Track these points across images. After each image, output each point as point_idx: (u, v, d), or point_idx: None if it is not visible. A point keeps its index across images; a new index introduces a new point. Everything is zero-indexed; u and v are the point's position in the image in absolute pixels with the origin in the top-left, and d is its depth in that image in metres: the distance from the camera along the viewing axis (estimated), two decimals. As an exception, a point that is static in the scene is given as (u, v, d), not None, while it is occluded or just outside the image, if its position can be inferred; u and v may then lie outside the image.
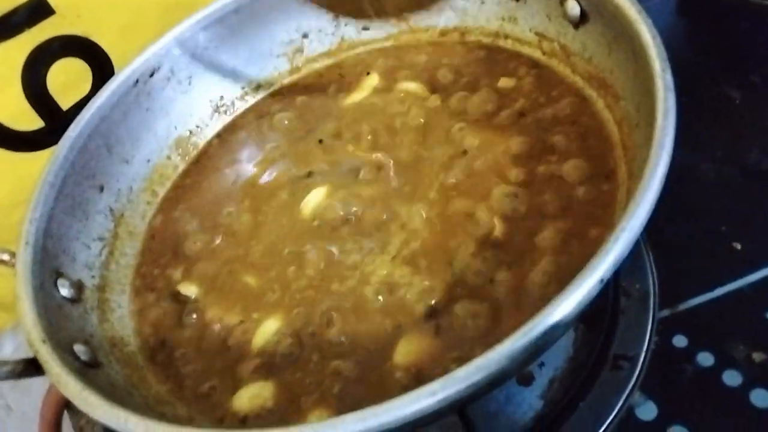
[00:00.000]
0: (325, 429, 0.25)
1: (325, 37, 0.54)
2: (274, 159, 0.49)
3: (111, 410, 0.29)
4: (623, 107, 0.38)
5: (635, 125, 0.36)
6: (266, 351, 0.37)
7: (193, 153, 0.52)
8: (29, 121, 0.58)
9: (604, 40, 0.40)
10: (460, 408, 0.32)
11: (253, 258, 0.42)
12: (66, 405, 0.59)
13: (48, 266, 0.39)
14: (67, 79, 0.58)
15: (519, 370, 0.30)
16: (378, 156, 0.45)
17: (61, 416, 0.58)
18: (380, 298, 0.37)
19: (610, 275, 0.26)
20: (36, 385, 0.65)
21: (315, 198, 0.44)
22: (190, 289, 0.42)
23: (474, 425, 0.40)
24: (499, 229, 0.37)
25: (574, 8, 0.41)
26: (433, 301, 0.35)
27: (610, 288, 0.43)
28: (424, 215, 0.39)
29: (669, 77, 0.31)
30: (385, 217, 0.40)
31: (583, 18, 0.41)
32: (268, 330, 0.38)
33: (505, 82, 0.45)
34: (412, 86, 0.48)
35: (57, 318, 0.37)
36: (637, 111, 0.36)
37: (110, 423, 0.29)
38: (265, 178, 0.48)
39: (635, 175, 0.34)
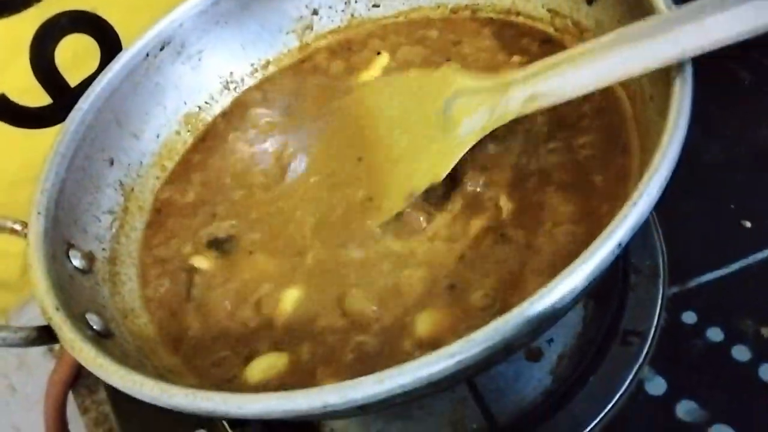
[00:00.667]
0: (343, 391, 0.25)
1: (335, 14, 0.54)
2: (284, 136, 0.48)
3: (127, 375, 0.29)
4: (636, 81, 0.38)
5: (649, 98, 0.36)
6: (286, 323, 0.37)
7: (202, 128, 0.52)
8: (37, 97, 0.58)
9: (618, 15, 0.40)
10: (474, 374, 0.32)
11: (264, 232, 0.42)
12: (70, 386, 0.60)
13: (59, 237, 0.39)
14: (75, 55, 0.58)
15: (535, 335, 0.30)
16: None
17: (65, 397, 0.58)
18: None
19: (627, 240, 0.26)
20: (40, 367, 0.66)
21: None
22: (201, 262, 0.42)
23: (484, 400, 0.40)
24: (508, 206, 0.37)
25: (587, -17, 0.41)
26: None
27: (621, 264, 0.43)
28: None
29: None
30: None
31: (596, -8, 0.41)
32: (289, 300, 0.38)
33: (517, 59, 0.45)
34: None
35: (69, 287, 0.37)
36: (652, 85, 0.36)
37: (126, 388, 0.29)
38: (273, 155, 0.47)
39: (648, 150, 0.34)
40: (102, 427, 0.60)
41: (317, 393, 0.25)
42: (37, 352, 0.69)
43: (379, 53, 0.51)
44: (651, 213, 0.44)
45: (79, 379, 0.60)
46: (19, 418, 0.69)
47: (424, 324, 0.33)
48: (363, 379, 0.25)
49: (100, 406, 0.61)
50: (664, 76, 0.32)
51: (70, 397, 0.60)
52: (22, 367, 0.70)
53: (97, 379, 0.57)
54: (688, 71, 0.30)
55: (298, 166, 0.46)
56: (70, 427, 0.58)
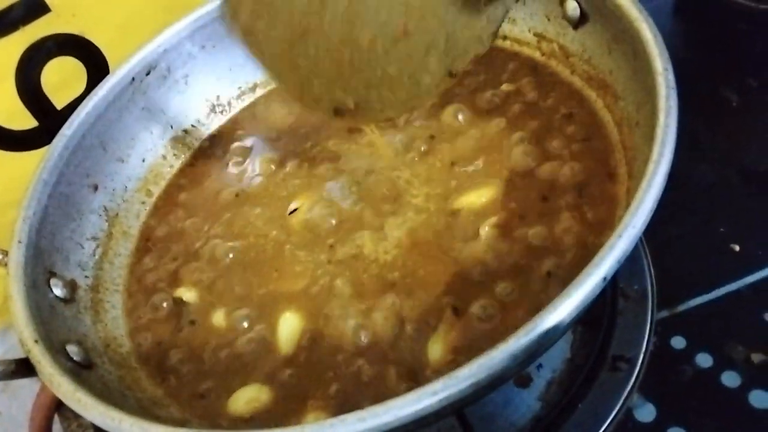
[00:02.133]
0: (324, 430, 0.25)
1: (322, 37, 0.54)
2: (273, 159, 0.48)
3: (106, 411, 0.29)
4: (623, 107, 0.38)
5: (635, 125, 0.36)
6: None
7: (189, 153, 0.51)
8: (23, 120, 0.57)
9: (604, 40, 0.40)
10: (460, 408, 0.32)
11: (252, 259, 0.42)
12: (56, 409, 0.59)
13: (41, 265, 0.39)
14: (61, 78, 0.58)
15: (521, 369, 0.30)
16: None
17: (51, 421, 0.57)
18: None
19: (613, 273, 0.26)
20: (26, 390, 0.65)
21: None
22: (186, 294, 0.41)
23: (472, 428, 0.39)
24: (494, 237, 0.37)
25: (574, 9, 0.41)
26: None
27: (609, 290, 0.43)
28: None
29: (671, 76, 0.31)
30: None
31: (582, 18, 0.41)
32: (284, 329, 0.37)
33: (506, 87, 0.45)
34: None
35: (50, 318, 0.36)
36: (637, 111, 0.36)
37: (104, 424, 0.29)
38: (261, 179, 0.47)
39: (635, 176, 0.34)
40: (87, 452, 0.59)
41: (299, 430, 0.25)
42: (23, 375, 0.68)
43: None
44: (639, 238, 0.44)
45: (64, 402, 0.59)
46: (4, 442, 0.68)
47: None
48: (344, 417, 0.25)
49: (86, 430, 0.60)
50: (650, 103, 0.32)
51: (56, 419, 0.59)
52: (6, 390, 0.69)
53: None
54: (673, 99, 0.30)
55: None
56: (55, 451, 0.56)
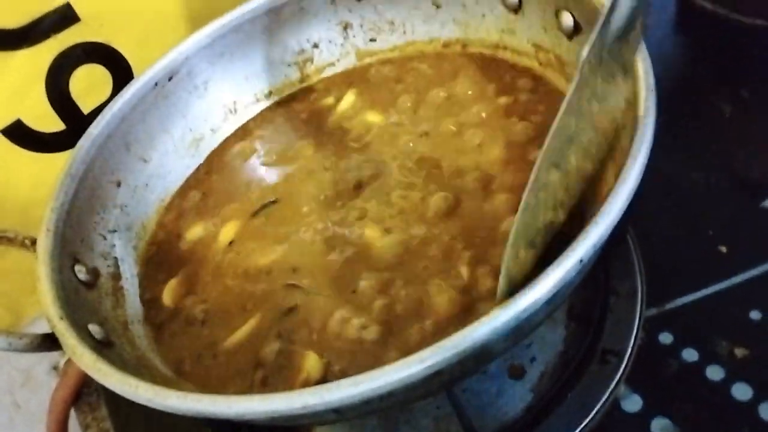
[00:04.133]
0: (319, 393, 0.27)
1: (334, 47, 0.57)
2: (285, 161, 0.51)
3: (124, 378, 0.31)
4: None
5: (622, 127, 0.38)
6: None
7: (205, 154, 0.54)
8: (51, 123, 0.60)
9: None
10: (449, 383, 0.34)
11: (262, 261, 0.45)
12: (73, 403, 0.61)
13: (66, 252, 0.41)
14: (88, 84, 0.61)
15: (506, 345, 0.32)
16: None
17: (68, 414, 0.60)
18: None
19: (590, 256, 0.28)
20: (44, 384, 0.68)
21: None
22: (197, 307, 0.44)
23: (467, 415, 0.41)
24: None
25: (567, 20, 0.43)
26: None
27: (601, 286, 0.45)
28: None
29: (651, 79, 0.33)
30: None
31: (576, 29, 0.43)
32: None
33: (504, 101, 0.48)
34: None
35: (74, 300, 0.39)
36: (623, 115, 0.38)
37: (122, 391, 0.31)
38: (274, 179, 0.50)
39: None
40: (103, 444, 0.61)
41: (297, 395, 0.27)
42: (42, 369, 0.71)
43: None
44: (629, 234, 0.46)
45: (81, 396, 0.62)
46: (22, 435, 0.70)
47: None
48: (340, 381, 0.27)
49: (101, 422, 0.62)
50: (633, 105, 0.34)
51: (72, 414, 0.61)
52: (26, 384, 0.72)
53: (98, 397, 0.60)
54: (652, 99, 0.33)
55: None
56: (73, 443, 0.59)
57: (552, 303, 0.29)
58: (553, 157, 0.31)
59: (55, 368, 0.70)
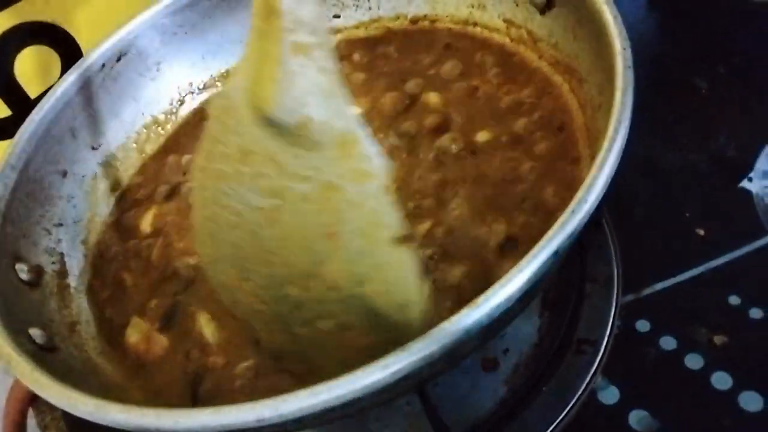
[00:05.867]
0: (276, 405, 0.25)
1: (295, 25, 0.54)
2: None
3: (62, 391, 0.29)
4: (586, 91, 0.38)
5: (598, 107, 0.36)
6: None
7: (160, 140, 0.51)
8: (-5, 109, 0.57)
9: (569, 25, 0.40)
10: (419, 384, 0.32)
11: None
12: (30, 403, 0.58)
13: (6, 250, 0.38)
14: (35, 66, 0.57)
15: (479, 344, 0.30)
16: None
17: (25, 414, 0.57)
18: None
19: (565, 247, 0.26)
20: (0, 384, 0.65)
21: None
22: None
23: (438, 412, 0.39)
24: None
25: (540, -7, 0.41)
26: None
27: (576, 273, 0.43)
28: None
29: (629, 54, 0.31)
30: None
31: (549, 3, 0.41)
32: None
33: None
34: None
35: (13, 301, 0.36)
36: (600, 93, 0.36)
37: (61, 404, 0.29)
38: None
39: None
40: (61, 445, 0.59)
41: (250, 407, 0.25)
42: (-2, 368, 0.67)
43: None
44: (605, 219, 0.45)
45: (39, 396, 0.59)
46: (-23, 436, 0.67)
47: None
48: (297, 392, 0.25)
49: (60, 422, 0.60)
50: (610, 84, 0.32)
51: (30, 414, 0.59)
52: (-21, 384, 0.68)
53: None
54: (630, 76, 0.31)
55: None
56: (30, 445, 0.56)
57: (525, 299, 0.27)
58: None
59: (12, 366, 0.67)
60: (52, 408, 0.62)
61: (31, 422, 0.58)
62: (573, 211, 0.27)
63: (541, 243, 0.26)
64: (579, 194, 0.27)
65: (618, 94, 0.30)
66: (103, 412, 0.27)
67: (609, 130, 0.29)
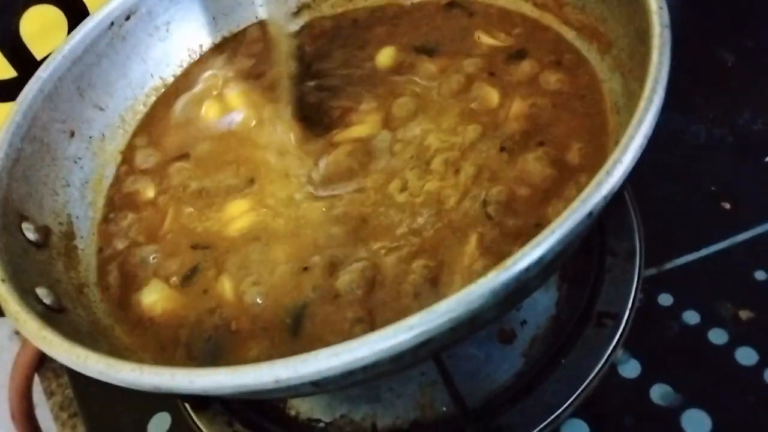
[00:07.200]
0: (294, 365, 0.24)
1: (310, -13, 0.52)
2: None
3: (71, 348, 0.28)
4: (615, 55, 0.37)
5: (628, 72, 0.35)
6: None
7: (169, 102, 0.50)
8: (1, 70, 0.56)
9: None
10: (438, 350, 0.31)
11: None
12: (36, 369, 0.58)
13: (12, 209, 0.37)
14: (41, 27, 0.56)
15: (503, 309, 0.29)
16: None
17: (31, 381, 0.57)
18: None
19: (599, 209, 0.25)
20: (5, 350, 0.64)
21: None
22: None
23: (454, 383, 0.39)
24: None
25: (566, -47, 0.39)
26: None
27: (596, 246, 0.42)
28: None
29: (665, 14, 0.30)
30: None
31: (577, -35, 0.40)
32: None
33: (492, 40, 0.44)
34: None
35: (21, 261, 0.35)
36: (630, 58, 0.35)
37: (70, 362, 0.28)
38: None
39: (624, 124, 0.33)
40: (67, 411, 0.59)
41: (268, 367, 0.24)
42: (3, 334, 0.67)
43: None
44: (627, 191, 0.43)
45: (44, 362, 0.59)
46: (-18, 402, 0.67)
47: None
48: (317, 352, 0.24)
49: (66, 389, 0.60)
50: (643, 47, 0.31)
51: (36, 380, 0.58)
52: (-15, 352, 0.68)
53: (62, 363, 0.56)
54: (667, 36, 0.29)
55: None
56: (36, 410, 0.56)
57: (556, 261, 0.25)
58: None
59: (17, 333, 0.67)
60: (57, 375, 0.61)
61: (37, 389, 0.58)
62: (608, 172, 0.25)
63: (574, 204, 0.25)
64: (614, 155, 0.26)
65: (655, 54, 0.29)
66: (115, 371, 0.26)
67: (645, 89, 0.28)
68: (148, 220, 0.42)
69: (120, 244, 0.41)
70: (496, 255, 0.32)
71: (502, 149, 0.37)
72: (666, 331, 0.38)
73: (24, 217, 0.38)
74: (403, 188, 0.37)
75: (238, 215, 0.40)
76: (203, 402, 0.42)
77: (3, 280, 0.32)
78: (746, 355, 0.36)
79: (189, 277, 0.37)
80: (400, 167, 0.38)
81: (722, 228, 0.41)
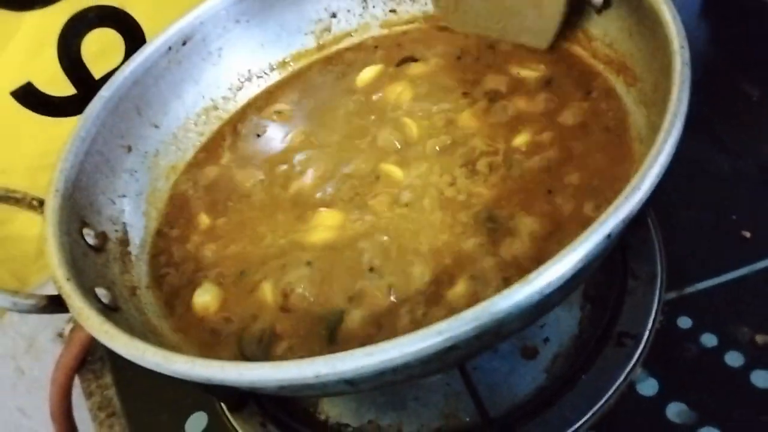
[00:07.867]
0: (332, 362, 0.26)
1: (352, 17, 0.56)
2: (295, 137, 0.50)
3: (130, 342, 0.30)
4: (640, 88, 0.39)
5: (651, 105, 0.37)
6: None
7: (218, 123, 0.53)
8: (62, 87, 0.59)
9: (626, 24, 0.41)
10: (464, 358, 0.33)
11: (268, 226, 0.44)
12: (77, 370, 0.61)
13: (74, 215, 0.40)
14: (100, 48, 0.60)
15: (526, 321, 0.31)
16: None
17: (72, 381, 0.59)
18: None
19: (618, 231, 0.27)
20: (48, 351, 0.67)
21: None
22: (207, 249, 0.43)
23: (478, 394, 0.41)
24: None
25: (598, -7, 0.42)
26: None
27: (619, 268, 0.44)
28: None
29: (686, 53, 0.32)
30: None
31: (606, 3, 0.42)
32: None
33: (526, 73, 0.47)
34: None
35: (81, 263, 0.38)
36: (654, 92, 0.37)
37: (129, 355, 0.30)
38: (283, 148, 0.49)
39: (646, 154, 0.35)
40: (105, 411, 0.61)
41: (309, 363, 0.26)
42: (47, 336, 0.70)
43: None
44: (650, 218, 0.45)
45: (85, 364, 0.61)
46: (25, 401, 0.70)
47: None
48: (353, 351, 0.26)
49: (105, 390, 0.62)
50: (665, 82, 0.33)
51: (76, 381, 0.61)
52: (30, 351, 0.71)
53: (103, 365, 0.59)
54: (687, 74, 0.31)
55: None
56: (74, 411, 0.58)
57: (576, 279, 0.27)
58: None
59: (60, 335, 0.70)
60: (97, 376, 0.64)
61: (76, 390, 0.61)
62: (627, 197, 0.27)
63: (593, 225, 0.27)
64: (633, 181, 0.28)
65: (675, 90, 0.31)
66: (170, 363, 0.29)
67: (665, 123, 0.30)
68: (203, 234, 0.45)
69: (174, 252, 0.44)
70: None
71: None
72: (684, 352, 0.39)
73: (85, 223, 0.41)
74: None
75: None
76: (239, 402, 0.45)
77: (68, 279, 0.35)
78: (761, 378, 0.37)
79: (238, 280, 0.40)
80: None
81: (742, 255, 0.43)
